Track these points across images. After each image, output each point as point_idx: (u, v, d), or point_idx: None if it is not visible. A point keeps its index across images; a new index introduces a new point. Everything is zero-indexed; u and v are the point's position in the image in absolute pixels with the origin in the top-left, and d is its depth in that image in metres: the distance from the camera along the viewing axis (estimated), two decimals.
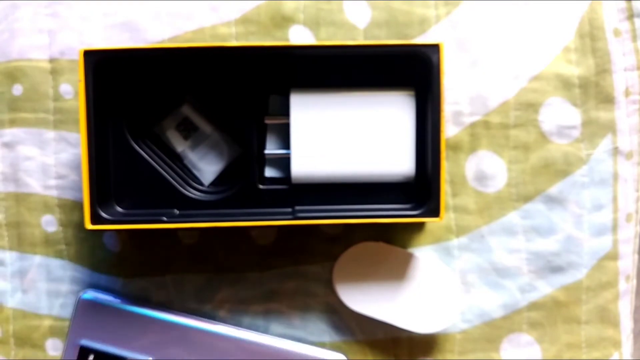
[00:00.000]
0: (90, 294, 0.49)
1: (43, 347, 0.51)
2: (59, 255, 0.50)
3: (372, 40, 0.49)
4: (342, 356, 0.48)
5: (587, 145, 0.49)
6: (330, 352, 0.48)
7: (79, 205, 0.50)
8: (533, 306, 0.50)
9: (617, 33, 0.50)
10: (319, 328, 0.49)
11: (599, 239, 0.50)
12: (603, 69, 0.49)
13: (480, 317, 0.50)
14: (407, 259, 0.48)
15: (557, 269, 0.49)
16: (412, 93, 0.45)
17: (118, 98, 0.46)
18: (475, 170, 0.49)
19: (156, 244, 0.50)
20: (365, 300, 0.48)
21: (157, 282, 0.50)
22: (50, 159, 0.50)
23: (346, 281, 0.48)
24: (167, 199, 0.46)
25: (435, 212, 0.44)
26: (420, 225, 0.50)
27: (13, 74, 0.50)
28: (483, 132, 0.49)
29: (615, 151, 0.50)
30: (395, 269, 0.48)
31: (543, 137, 0.49)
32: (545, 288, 0.50)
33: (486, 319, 0.50)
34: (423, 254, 0.50)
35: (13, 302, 0.51)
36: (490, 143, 0.49)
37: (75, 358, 0.48)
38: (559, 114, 0.49)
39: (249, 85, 0.46)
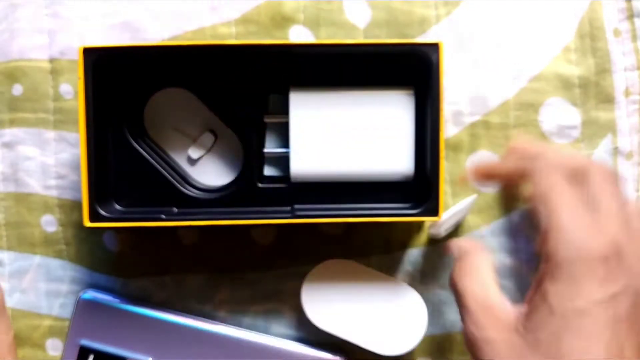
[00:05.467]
0: (90, 294, 0.49)
1: (43, 347, 0.51)
2: (58, 255, 0.51)
3: (371, 39, 0.49)
4: (342, 356, 0.48)
5: (587, 145, 0.49)
6: (329, 352, 0.48)
7: (78, 205, 0.50)
8: None
9: (617, 33, 0.50)
10: (319, 328, 0.49)
11: None
12: (603, 69, 0.49)
13: None
14: (377, 280, 0.48)
15: None
16: (412, 92, 0.45)
17: (117, 96, 0.46)
18: None
19: (156, 244, 0.50)
20: (331, 318, 0.48)
21: (157, 282, 0.50)
22: (50, 159, 0.50)
23: (314, 298, 0.48)
24: (166, 198, 0.46)
25: (434, 211, 0.44)
26: (420, 225, 0.50)
27: (13, 74, 0.50)
28: (483, 132, 0.49)
29: (615, 151, 0.49)
30: (364, 289, 0.48)
31: (543, 137, 0.49)
32: None
33: None
34: (393, 276, 0.50)
35: (12, 301, 0.51)
36: (490, 143, 0.49)
37: (75, 358, 0.48)
38: (559, 114, 0.49)
39: (248, 83, 0.46)
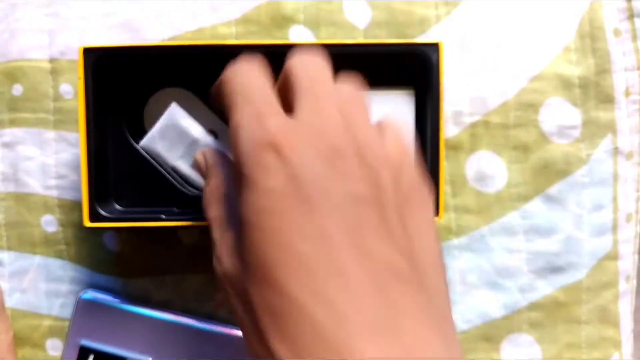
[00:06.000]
0: (90, 294, 0.49)
1: (43, 347, 0.51)
2: (58, 255, 0.51)
3: (371, 39, 0.49)
4: None
5: (587, 145, 0.49)
6: None
7: (78, 205, 0.50)
8: (533, 306, 0.50)
9: (617, 33, 0.50)
10: None
11: (599, 239, 0.50)
12: (603, 69, 0.49)
13: (480, 317, 0.50)
14: None
15: (557, 269, 0.49)
16: (412, 92, 0.45)
17: (117, 96, 0.46)
18: (475, 170, 0.49)
19: (156, 244, 0.50)
20: None
21: (157, 282, 0.50)
22: (50, 159, 0.50)
23: None
24: (167, 197, 0.46)
25: (434, 211, 0.44)
26: None
27: (13, 74, 0.50)
28: (483, 132, 0.49)
29: (615, 151, 0.50)
30: None
31: (543, 137, 0.49)
32: (545, 288, 0.50)
33: (486, 319, 0.50)
34: None
35: (12, 302, 0.51)
36: (490, 143, 0.49)
37: (75, 358, 0.48)
38: (559, 114, 0.49)
39: None
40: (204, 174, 0.40)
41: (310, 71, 0.35)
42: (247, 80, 0.35)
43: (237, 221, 0.33)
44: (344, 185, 0.31)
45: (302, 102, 0.34)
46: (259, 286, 0.30)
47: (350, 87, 0.36)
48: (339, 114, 0.33)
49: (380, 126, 0.35)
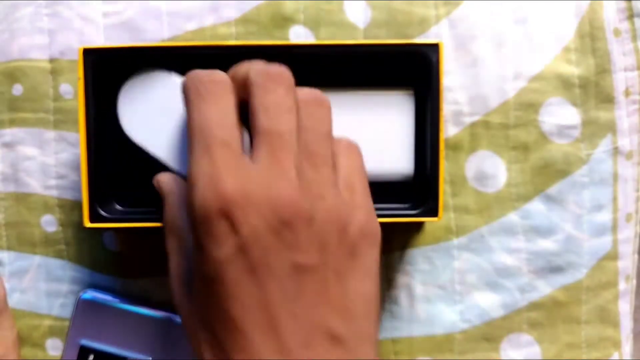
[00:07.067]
0: (90, 294, 0.49)
1: (43, 347, 0.51)
2: (58, 255, 0.50)
3: (371, 40, 0.49)
4: None
5: (587, 145, 0.49)
6: None
7: (78, 205, 0.50)
8: (533, 306, 0.50)
9: (617, 33, 0.50)
10: None
11: (598, 239, 0.50)
12: (603, 69, 0.49)
13: (480, 317, 0.50)
14: None
15: (557, 269, 0.49)
16: (412, 93, 0.45)
17: (117, 96, 0.46)
18: (475, 170, 0.49)
19: (156, 244, 0.50)
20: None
21: (157, 282, 0.50)
22: (50, 159, 0.50)
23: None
24: None
25: (433, 211, 0.44)
26: (420, 225, 0.50)
27: (13, 74, 0.50)
28: (483, 132, 0.49)
29: (615, 151, 0.49)
30: None
31: (543, 137, 0.49)
32: (545, 288, 0.50)
33: (486, 319, 0.50)
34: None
35: (12, 302, 0.51)
36: (490, 143, 0.49)
37: (75, 358, 0.48)
38: (559, 114, 0.49)
39: None
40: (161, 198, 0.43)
41: (271, 104, 0.37)
42: (209, 115, 0.37)
43: (190, 256, 0.38)
44: (289, 256, 0.34)
45: (261, 152, 0.36)
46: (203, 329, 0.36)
47: (312, 117, 0.39)
48: (295, 169, 0.35)
49: (335, 153, 0.40)
